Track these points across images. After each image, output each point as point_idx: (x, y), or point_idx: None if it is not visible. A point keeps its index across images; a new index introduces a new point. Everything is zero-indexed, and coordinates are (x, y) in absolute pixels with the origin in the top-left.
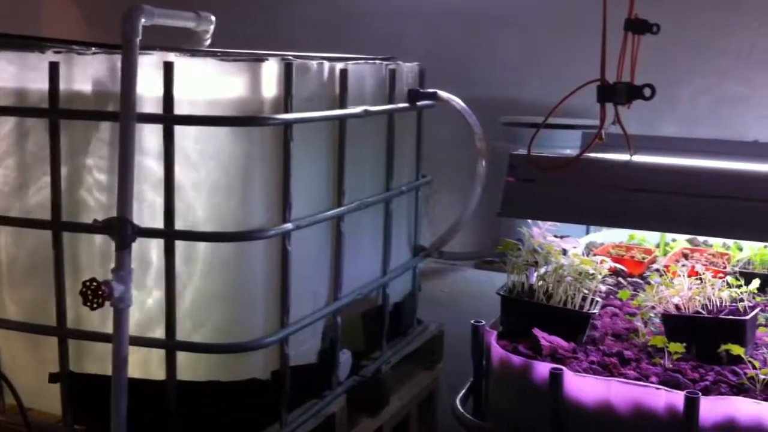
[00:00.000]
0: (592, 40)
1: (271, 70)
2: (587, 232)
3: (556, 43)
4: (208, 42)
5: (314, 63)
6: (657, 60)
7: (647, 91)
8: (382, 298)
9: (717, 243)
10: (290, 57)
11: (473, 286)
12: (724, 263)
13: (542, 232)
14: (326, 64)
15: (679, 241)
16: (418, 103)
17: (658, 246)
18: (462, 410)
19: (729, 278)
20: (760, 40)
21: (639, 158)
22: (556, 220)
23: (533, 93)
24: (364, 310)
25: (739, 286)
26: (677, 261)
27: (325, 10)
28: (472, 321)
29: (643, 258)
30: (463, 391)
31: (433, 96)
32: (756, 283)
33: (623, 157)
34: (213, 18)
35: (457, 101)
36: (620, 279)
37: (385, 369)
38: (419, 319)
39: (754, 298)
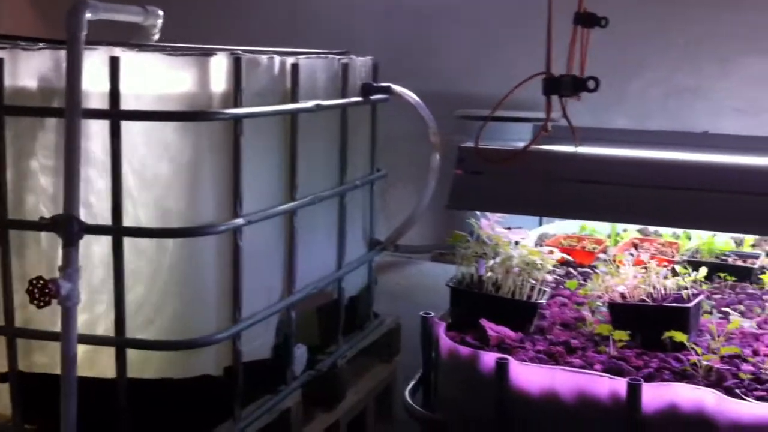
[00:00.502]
0: (545, 33)
1: (219, 65)
2: (540, 224)
3: (511, 37)
4: (157, 37)
5: (264, 57)
6: (608, 53)
7: (591, 84)
8: (337, 292)
9: (666, 233)
10: (239, 51)
11: (429, 279)
12: (673, 252)
13: (491, 224)
14: (277, 59)
15: (630, 231)
16: (372, 97)
17: (609, 236)
18: (411, 402)
19: (677, 267)
20: (709, 32)
21: (585, 150)
22: (504, 211)
23: (489, 86)
24: (320, 304)
25: (687, 275)
26: (627, 251)
27: (280, 6)
28: (421, 313)
29: (594, 248)
30: (413, 383)
31: (387, 90)
32: (703, 271)
33: (570, 148)
34: (161, 12)
35: (411, 95)
36: (570, 269)
37: (341, 363)
38: (376, 313)
39: (701, 286)
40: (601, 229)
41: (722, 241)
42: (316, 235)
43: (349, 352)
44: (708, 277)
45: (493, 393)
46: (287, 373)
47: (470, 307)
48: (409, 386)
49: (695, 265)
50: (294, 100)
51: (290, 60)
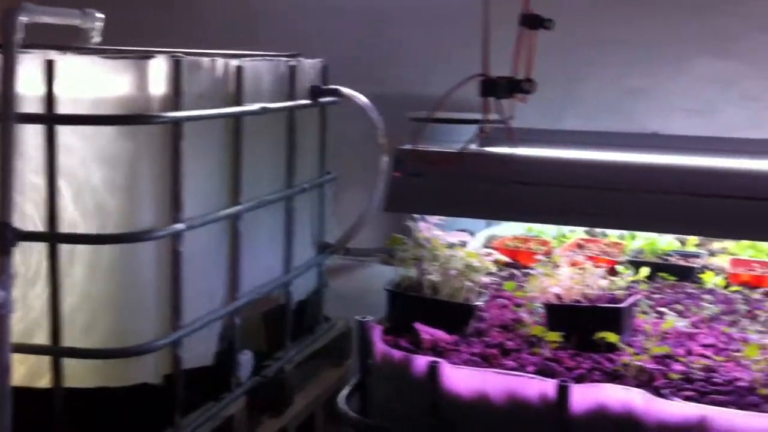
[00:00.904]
0: (498, 35)
1: (159, 68)
2: (488, 225)
3: (466, 39)
4: (96, 40)
5: (206, 60)
6: (560, 54)
7: (527, 85)
8: (285, 296)
9: (613, 234)
10: (180, 54)
11: (380, 282)
12: (617, 253)
13: (429, 226)
14: (220, 61)
15: (577, 232)
16: (321, 100)
17: (555, 238)
18: (345, 407)
19: (620, 267)
20: (660, 34)
21: (524, 151)
22: (443, 214)
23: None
24: (266, 309)
25: (628, 275)
26: (572, 252)
27: (232, 8)
28: (357, 317)
29: (538, 250)
30: (349, 389)
31: (335, 92)
32: (645, 271)
33: (509, 150)
34: (99, 15)
35: (360, 97)
36: (514, 271)
37: (288, 368)
38: (326, 317)
39: (641, 285)
40: (548, 230)
41: (666, 242)
42: (262, 239)
43: (298, 356)
44: (650, 277)
45: (425, 396)
46: (231, 380)
47: (408, 310)
48: (345, 392)
49: (638, 265)
50: (238, 102)
51: (234, 62)
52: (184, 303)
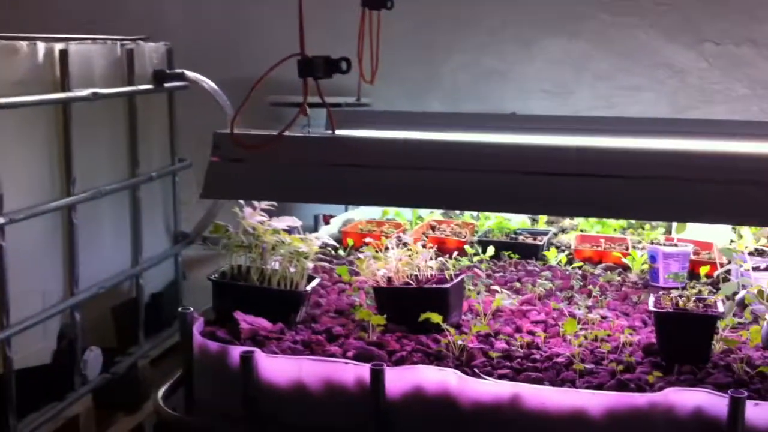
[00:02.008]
0: (354, 17)
1: None
2: (346, 209)
3: (322, 22)
4: None
5: (24, 44)
6: (420, 37)
7: (344, 65)
8: (136, 290)
9: (467, 214)
10: None
11: None
12: (467, 233)
13: (255, 213)
14: (41, 45)
15: (434, 213)
16: (167, 85)
17: (411, 221)
18: (162, 403)
19: (468, 247)
20: (513, 16)
21: (350, 133)
22: (264, 199)
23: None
24: (115, 304)
25: (476, 254)
26: (424, 233)
27: None
28: (179, 309)
29: (392, 233)
30: (170, 384)
31: (180, 76)
32: (491, 250)
33: (329, 132)
34: None
35: (206, 81)
36: (359, 255)
37: (142, 364)
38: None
39: (483, 264)
40: (406, 212)
41: (519, 220)
42: (106, 231)
43: (153, 351)
44: (497, 256)
45: (241, 389)
46: (76, 379)
47: (234, 300)
48: (164, 387)
49: (486, 245)
50: (65, 88)
51: (59, 46)
52: (12, 300)
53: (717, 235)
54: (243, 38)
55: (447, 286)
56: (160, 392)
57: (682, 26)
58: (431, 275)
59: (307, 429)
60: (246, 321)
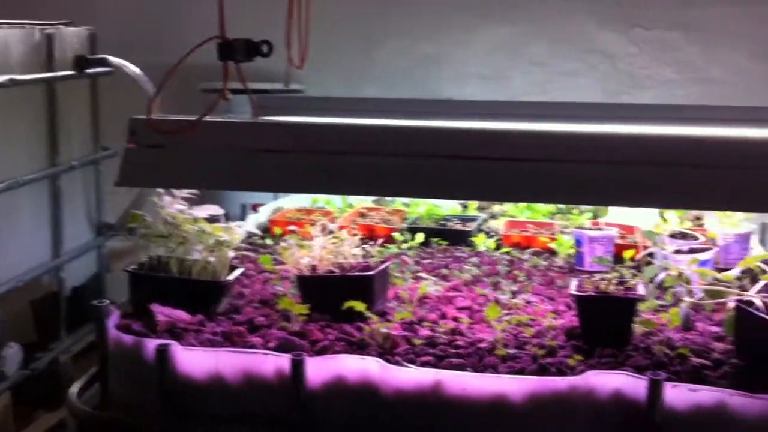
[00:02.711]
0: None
1: None
2: (275, 197)
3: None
4: None
5: None
6: (356, 22)
7: (265, 48)
8: (57, 283)
9: (398, 201)
10: None
11: None
12: (397, 220)
13: (174, 201)
14: None
15: (364, 201)
16: (90, 71)
17: (341, 208)
18: (74, 400)
19: (395, 234)
20: (448, 2)
21: (269, 118)
22: (182, 186)
23: None
24: (34, 297)
25: (404, 241)
26: (353, 221)
27: None
28: (93, 301)
29: (321, 221)
30: (85, 379)
31: (103, 62)
32: (420, 237)
33: (250, 118)
34: None
35: (129, 67)
36: (288, 243)
37: (64, 359)
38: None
39: (411, 252)
40: (336, 200)
41: (449, 207)
42: (24, 223)
43: (76, 346)
44: (426, 243)
45: (158, 382)
46: None
47: (153, 292)
48: (78, 383)
49: (416, 232)
50: None
51: None
52: None
53: (643, 219)
54: (174, 22)
55: (371, 273)
56: (74, 388)
57: (613, 12)
58: (356, 263)
59: (226, 421)
60: (163, 313)
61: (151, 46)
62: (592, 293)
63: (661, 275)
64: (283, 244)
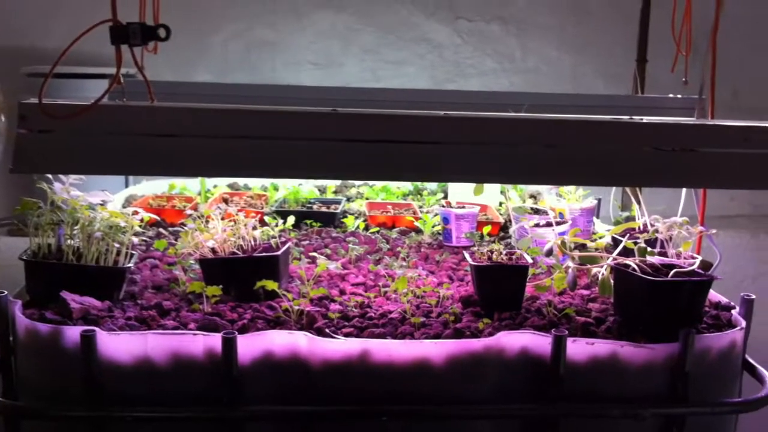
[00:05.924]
0: None
1: None
2: (126, 185)
3: None
4: None
5: None
6: (189, 5)
7: (162, 32)
8: None
9: (256, 186)
10: None
11: (5, 255)
12: (262, 204)
13: (66, 187)
14: None
15: (221, 186)
16: None
17: (199, 194)
18: None
19: (266, 218)
20: None
21: (163, 104)
22: (80, 172)
23: (61, 41)
24: None
25: (275, 224)
26: (217, 206)
27: None
28: None
29: (184, 206)
30: None
31: None
32: (291, 219)
33: (146, 103)
34: None
35: None
36: (161, 230)
37: None
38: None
39: (289, 234)
40: (192, 186)
41: (308, 190)
42: None
43: None
44: (296, 225)
45: (81, 369)
46: None
47: (50, 280)
48: None
49: (284, 215)
50: None
51: None
52: None
53: (488, 197)
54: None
55: (278, 253)
56: None
57: (439, 3)
58: (256, 244)
59: (153, 403)
60: (75, 300)
61: None
62: (490, 263)
63: (548, 244)
64: (184, 228)
